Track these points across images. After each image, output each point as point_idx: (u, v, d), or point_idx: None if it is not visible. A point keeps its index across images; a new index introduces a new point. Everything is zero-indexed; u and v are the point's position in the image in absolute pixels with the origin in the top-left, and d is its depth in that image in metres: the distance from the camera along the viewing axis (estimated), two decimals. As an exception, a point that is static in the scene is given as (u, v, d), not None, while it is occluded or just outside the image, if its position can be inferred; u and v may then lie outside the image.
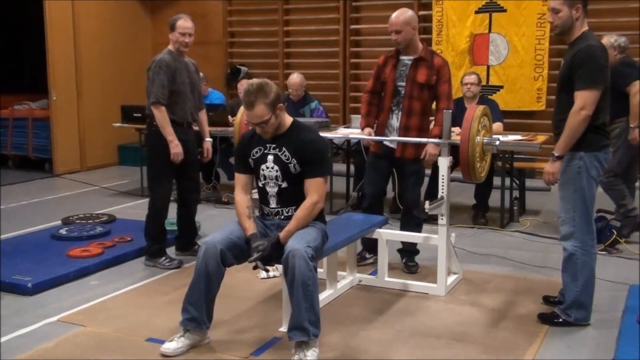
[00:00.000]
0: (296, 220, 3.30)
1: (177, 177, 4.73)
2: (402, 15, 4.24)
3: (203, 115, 4.97)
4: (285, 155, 3.34)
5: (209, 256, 3.23)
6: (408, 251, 4.55)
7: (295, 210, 3.34)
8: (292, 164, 3.34)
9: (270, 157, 3.37)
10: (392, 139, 4.36)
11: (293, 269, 3.08)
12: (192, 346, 3.31)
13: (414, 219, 4.46)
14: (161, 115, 4.48)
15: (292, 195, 3.38)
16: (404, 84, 4.29)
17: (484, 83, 7.83)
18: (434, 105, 4.41)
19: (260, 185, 3.46)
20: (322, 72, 8.68)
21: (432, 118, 4.43)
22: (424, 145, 4.31)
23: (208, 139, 5.00)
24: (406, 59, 4.30)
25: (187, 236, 4.90)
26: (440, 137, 4.18)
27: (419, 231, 4.46)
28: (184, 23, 4.58)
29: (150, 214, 4.70)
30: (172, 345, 3.26)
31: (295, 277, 3.08)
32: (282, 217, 3.43)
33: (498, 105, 6.14)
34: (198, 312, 3.28)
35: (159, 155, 4.55)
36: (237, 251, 3.30)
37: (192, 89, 4.73)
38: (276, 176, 3.37)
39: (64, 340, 3.45)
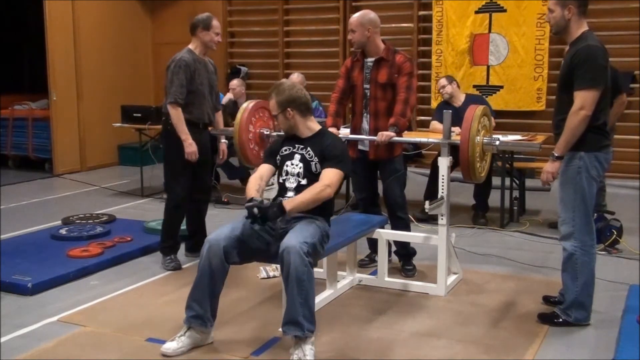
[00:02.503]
0: (302, 194, 3.40)
1: (190, 176, 4.72)
2: (358, 17, 4.27)
3: (219, 117, 4.96)
4: (309, 154, 3.53)
5: (212, 254, 3.25)
6: (404, 254, 4.54)
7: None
8: (314, 162, 3.51)
9: (297, 156, 3.56)
10: (361, 138, 4.36)
11: (288, 265, 3.12)
12: (194, 345, 3.30)
13: (399, 220, 4.44)
14: (176, 115, 4.47)
15: (309, 183, 3.48)
16: (369, 86, 4.31)
17: (483, 83, 7.88)
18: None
19: (280, 180, 3.58)
20: (322, 72, 8.67)
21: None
22: (397, 145, 4.32)
23: (224, 141, 5.01)
24: (369, 60, 4.32)
25: (197, 237, 4.88)
26: (395, 125, 4.18)
27: (407, 231, 4.45)
28: (218, 23, 4.65)
29: (166, 212, 4.69)
30: (172, 346, 3.26)
31: (290, 273, 3.12)
32: (293, 184, 3.52)
33: (488, 103, 6.14)
34: (202, 309, 3.28)
35: (175, 154, 4.53)
36: (241, 249, 3.32)
37: (210, 90, 4.71)
38: (298, 172, 3.52)
39: (64, 340, 3.45)
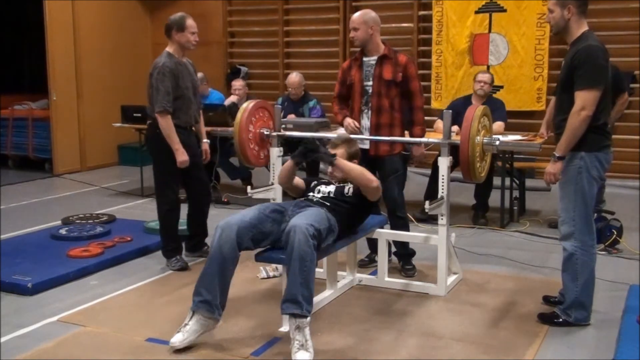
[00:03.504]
0: (353, 164, 3.71)
1: (185, 181, 4.70)
2: (361, 15, 4.32)
3: (200, 116, 4.94)
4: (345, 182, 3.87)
5: (223, 240, 3.28)
6: (403, 254, 4.54)
7: (335, 201, 3.70)
8: (347, 186, 3.83)
9: (332, 186, 3.89)
10: (375, 139, 4.36)
11: (292, 243, 3.17)
12: (200, 334, 3.30)
13: (399, 220, 4.44)
14: (167, 124, 4.44)
15: (336, 197, 3.76)
16: (370, 82, 4.33)
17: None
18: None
19: (309, 195, 3.85)
20: (322, 72, 8.67)
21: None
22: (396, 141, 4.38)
23: (205, 141, 4.95)
24: (370, 59, 4.35)
25: (197, 237, 4.88)
26: (422, 137, 4.37)
27: (407, 231, 4.45)
28: (192, 22, 4.56)
29: (160, 217, 4.69)
30: (178, 337, 3.26)
31: (293, 251, 3.16)
32: (318, 194, 3.81)
33: (504, 104, 6.13)
34: (211, 295, 3.28)
35: (164, 158, 4.52)
36: (254, 233, 3.37)
37: (194, 92, 4.70)
38: (329, 191, 3.83)
39: (64, 340, 3.45)
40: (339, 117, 4.50)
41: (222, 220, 3.39)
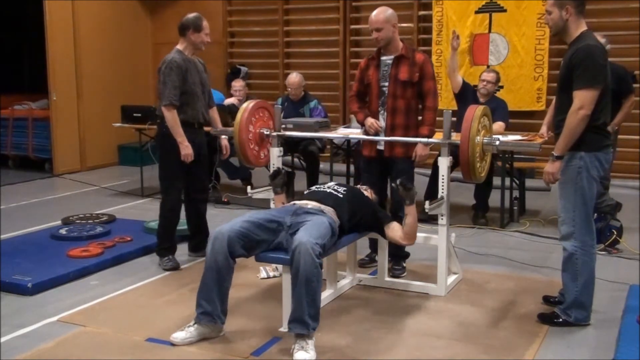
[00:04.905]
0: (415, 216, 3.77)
1: (185, 177, 4.72)
2: (382, 13, 4.24)
3: (214, 113, 4.94)
4: None
5: (216, 251, 3.29)
6: (396, 255, 4.48)
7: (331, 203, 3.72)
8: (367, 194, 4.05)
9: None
10: (389, 139, 4.33)
11: (298, 264, 3.15)
12: (203, 338, 3.36)
13: (401, 221, 4.42)
14: (172, 117, 4.47)
15: (342, 200, 3.75)
16: (387, 83, 4.28)
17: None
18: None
19: (315, 187, 3.95)
20: (322, 72, 8.67)
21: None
22: (412, 143, 4.30)
23: (224, 136, 4.99)
24: (387, 58, 4.30)
25: (198, 236, 4.88)
26: (429, 137, 4.24)
27: None
28: (207, 23, 4.67)
29: (161, 215, 4.69)
30: (180, 335, 3.33)
31: (299, 272, 3.15)
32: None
33: (506, 105, 6.12)
34: (211, 306, 3.32)
35: (170, 157, 4.54)
36: (245, 241, 3.35)
37: (203, 89, 4.71)
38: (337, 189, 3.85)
39: (64, 340, 3.45)
40: (359, 116, 4.44)
41: (215, 230, 3.41)
